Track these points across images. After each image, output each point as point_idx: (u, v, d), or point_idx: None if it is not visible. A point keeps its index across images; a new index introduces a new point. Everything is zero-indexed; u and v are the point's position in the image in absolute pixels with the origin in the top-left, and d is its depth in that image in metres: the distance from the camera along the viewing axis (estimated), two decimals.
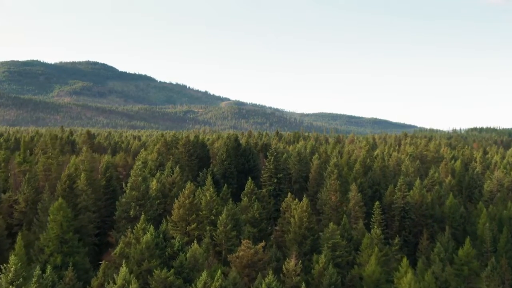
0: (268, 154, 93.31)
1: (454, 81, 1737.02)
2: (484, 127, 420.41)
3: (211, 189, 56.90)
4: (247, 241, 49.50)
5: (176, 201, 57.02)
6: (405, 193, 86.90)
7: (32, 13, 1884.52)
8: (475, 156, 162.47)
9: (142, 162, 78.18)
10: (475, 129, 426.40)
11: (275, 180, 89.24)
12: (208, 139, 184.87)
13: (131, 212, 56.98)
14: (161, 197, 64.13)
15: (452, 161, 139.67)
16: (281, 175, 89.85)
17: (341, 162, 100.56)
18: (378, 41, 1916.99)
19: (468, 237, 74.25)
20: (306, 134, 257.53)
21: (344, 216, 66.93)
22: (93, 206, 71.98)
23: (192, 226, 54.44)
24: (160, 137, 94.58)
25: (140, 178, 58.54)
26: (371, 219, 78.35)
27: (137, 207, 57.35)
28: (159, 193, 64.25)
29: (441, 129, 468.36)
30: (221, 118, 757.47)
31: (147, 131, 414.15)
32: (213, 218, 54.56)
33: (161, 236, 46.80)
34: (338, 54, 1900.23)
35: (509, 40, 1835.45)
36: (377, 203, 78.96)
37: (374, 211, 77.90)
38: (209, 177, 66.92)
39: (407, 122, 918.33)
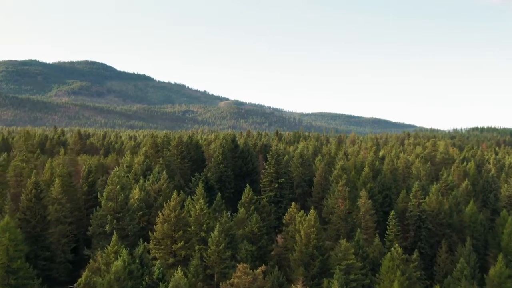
0: (268, 156, 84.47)
1: (453, 81, 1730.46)
2: (485, 126, 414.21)
3: (201, 200, 48.01)
4: (244, 265, 40.64)
5: (159, 214, 48.15)
6: (421, 200, 78.02)
7: (30, 13, 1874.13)
8: (486, 157, 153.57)
9: (127, 166, 69.38)
10: (476, 128, 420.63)
11: (276, 185, 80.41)
12: (205, 140, 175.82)
13: (107, 227, 48.17)
14: (144, 208, 55.23)
15: (465, 163, 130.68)
16: (283, 179, 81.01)
17: (348, 165, 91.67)
18: (377, 41, 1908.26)
19: (500, 253, 65.21)
20: (307, 134, 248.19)
21: (358, 231, 57.83)
22: (69, 216, 63.25)
23: (179, 244, 45.53)
24: (150, 138, 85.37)
25: (118, 187, 49.68)
26: (386, 232, 69.51)
27: (114, 221, 48.53)
28: (142, 203, 55.37)
29: (440, 128, 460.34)
30: (220, 118, 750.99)
31: (145, 131, 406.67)
32: (204, 235, 45.73)
33: (137, 261, 38.11)
34: (338, 54, 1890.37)
35: (508, 40, 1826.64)
36: (392, 213, 70.06)
37: (389, 222, 68.99)
38: (200, 185, 57.89)
39: (407, 122, 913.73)
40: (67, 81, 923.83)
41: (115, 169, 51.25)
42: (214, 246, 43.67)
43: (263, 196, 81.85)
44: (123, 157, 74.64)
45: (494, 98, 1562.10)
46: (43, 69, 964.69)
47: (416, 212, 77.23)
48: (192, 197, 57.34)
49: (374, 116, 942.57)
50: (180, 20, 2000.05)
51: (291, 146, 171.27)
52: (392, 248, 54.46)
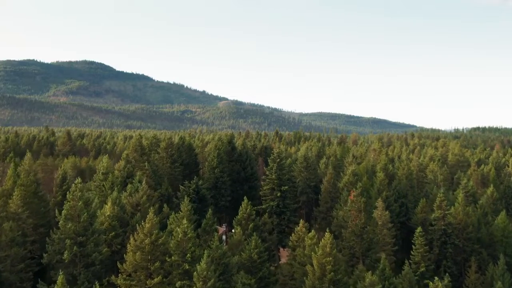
0: (269, 160, 73.87)
1: (452, 81, 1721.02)
2: (487, 126, 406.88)
3: (185, 222, 37.32)
4: None
5: (131, 238, 37.44)
6: (446, 211, 67.42)
7: (29, 13, 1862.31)
8: (503, 159, 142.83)
9: (103, 173, 58.89)
10: (477, 128, 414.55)
11: (279, 194, 69.79)
12: (201, 140, 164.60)
13: (65, 255, 37.63)
14: (118, 227, 44.55)
15: (482, 166, 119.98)
16: (287, 187, 70.38)
17: (360, 170, 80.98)
18: (376, 41, 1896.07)
19: None
20: (308, 134, 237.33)
21: (383, 257, 46.92)
22: (32, 234, 52.75)
23: (155, 280, 34.79)
24: (136, 139, 73.83)
25: (80, 203, 39.12)
26: (411, 253, 58.98)
27: (75, 246, 38.04)
28: (116, 221, 44.64)
29: (440, 128, 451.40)
30: (219, 118, 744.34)
31: (143, 131, 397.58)
32: (188, 267, 35.14)
33: None
34: (337, 54, 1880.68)
35: (506, 40, 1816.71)
36: (418, 230, 59.41)
37: (415, 240, 58.40)
38: (186, 200, 46.89)
39: (406, 122, 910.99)
40: (66, 81, 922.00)
41: (76, 180, 40.72)
42: (201, 282, 33.13)
43: (263, 206, 71.32)
44: (100, 163, 64.02)
45: (494, 98, 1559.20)
46: (42, 69, 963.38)
47: (440, 226, 66.66)
48: (177, 213, 46.67)
49: (373, 116, 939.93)
50: (179, 20, 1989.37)
51: (292, 147, 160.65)
52: (430, 284, 43.66)
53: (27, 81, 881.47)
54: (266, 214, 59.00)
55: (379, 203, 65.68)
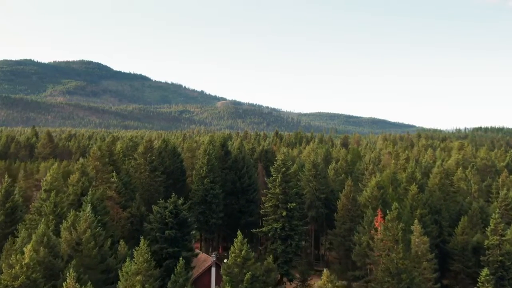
0: (272, 170, 57.98)
1: (451, 81, 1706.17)
2: (489, 126, 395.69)
3: (137, 280, 21.91)
4: None
5: None
6: (503, 237, 51.66)
7: (26, 13, 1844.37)
8: None
9: (45, 191, 43.17)
10: (479, 128, 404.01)
11: (284, 213, 54.04)
12: (197, 141, 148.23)
13: None
14: (40, 284, 28.79)
15: None
16: (294, 204, 54.58)
17: (384, 180, 64.99)
18: (375, 41, 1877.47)
19: None
20: (309, 134, 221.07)
21: None
22: None
23: None
24: (98, 145, 56.94)
25: None
26: None
27: None
28: (39, 273, 28.76)
29: (440, 128, 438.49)
30: (217, 118, 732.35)
31: (139, 131, 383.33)
32: None
33: None
34: (336, 53, 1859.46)
35: (505, 39, 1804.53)
36: (485, 271, 43.57)
37: (480, 285, 42.64)
38: (143, 244, 30.19)
39: (405, 122, 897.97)
40: (62, 80, 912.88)
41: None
42: None
43: (264, 229, 55.56)
44: (44, 179, 47.73)
45: (493, 98, 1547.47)
46: (38, 68, 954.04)
47: (497, 257, 50.91)
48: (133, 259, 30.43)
49: (372, 116, 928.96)
50: (177, 20, 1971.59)
51: (294, 149, 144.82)
52: None
53: (23, 81, 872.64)
54: (271, 258, 42.88)
55: (416, 227, 49.94)
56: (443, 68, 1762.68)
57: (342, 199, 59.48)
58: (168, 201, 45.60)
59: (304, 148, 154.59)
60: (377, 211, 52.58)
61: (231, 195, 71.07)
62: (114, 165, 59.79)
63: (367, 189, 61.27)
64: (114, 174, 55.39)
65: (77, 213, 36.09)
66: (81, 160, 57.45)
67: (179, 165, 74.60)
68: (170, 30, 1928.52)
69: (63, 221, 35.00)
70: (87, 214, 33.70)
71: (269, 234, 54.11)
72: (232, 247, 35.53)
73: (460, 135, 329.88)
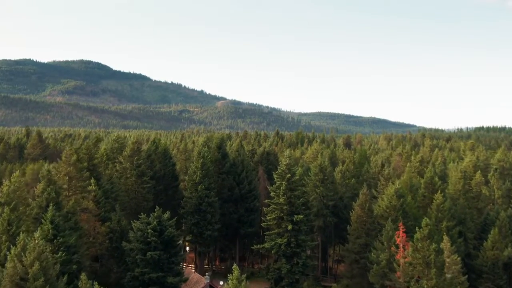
0: (275, 176, 50.19)
1: (451, 81, 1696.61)
2: (491, 126, 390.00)
3: None
4: None
5: None
6: None
7: (26, 13, 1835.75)
8: None
9: (5, 204, 35.31)
10: (481, 128, 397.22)
11: (290, 227, 46.31)
12: (195, 141, 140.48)
13: None
14: None
15: None
16: (301, 216, 46.83)
17: (402, 188, 56.99)
18: (376, 41, 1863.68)
19: None
20: (310, 134, 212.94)
21: None
22: None
23: None
24: (69, 150, 47.71)
25: None
26: None
27: None
28: None
29: (440, 128, 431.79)
30: (217, 118, 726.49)
31: (139, 131, 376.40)
32: None
33: None
34: (336, 53, 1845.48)
35: (505, 40, 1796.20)
36: None
37: None
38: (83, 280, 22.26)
39: (406, 122, 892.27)
40: (62, 80, 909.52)
41: None
42: None
43: (266, 245, 47.83)
44: (2, 186, 39.91)
45: (493, 97, 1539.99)
46: (38, 68, 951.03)
47: None
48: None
49: (373, 116, 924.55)
50: (177, 19, 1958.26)
51: (296, 150, 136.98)
52: None
53: (22, 81, 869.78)
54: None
55: (446, 244, 42.18)
56: (442, 68, 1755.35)
57: (357, 210, 51.56)
58: (151, 215, 37.87)
59: (306, 148, 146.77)
60: (398, 225, 44.86)
61: (229, 203, 63.39)
62: (94, 170, 52.15)
63: (384, 198, 53.48)
64: (92, 181, 47.77)
65: (32, 234, 28.45)
66: (46, 166, 49.65)
67: (170, 169, 66.83)
68: (170, 30, 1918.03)
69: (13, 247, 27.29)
70: (37, 241, 25.99)
71: (272, 251, 46.36)
72: (229, 274, 27.54)
73: (463, 135, 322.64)
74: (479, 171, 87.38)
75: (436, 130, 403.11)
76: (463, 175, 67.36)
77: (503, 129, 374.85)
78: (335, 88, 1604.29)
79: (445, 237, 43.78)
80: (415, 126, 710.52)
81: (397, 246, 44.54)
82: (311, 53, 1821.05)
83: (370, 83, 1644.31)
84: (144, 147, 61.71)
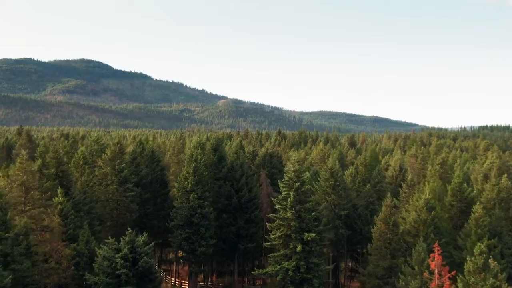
0: (281, 185, 41.41)
1: (453, 80, 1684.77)
2: (494, 125, 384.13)
3: None
4: None
5: None
6: None
7: (26, 12, 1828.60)
8: None
9: None
10: (485, 127, 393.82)
11: (299, 248, 37.61)
12: (191, 141, 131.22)
13: None
14: None
15: None
16: (314, 234, 38.11)
17: (430, 198, 48.24)
18: (377, 40, 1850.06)
19: None
20: (313, 133, 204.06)
21: None
22: None
23: None
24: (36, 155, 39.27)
25: None
26: None
27: None
28: None
29: (445, 127, 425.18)
30: (218, 117, 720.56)
31: (139, 130, 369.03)
32: None
33: None
34: (338, 52, 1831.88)
35: (506, 39, 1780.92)
36: None
37: None
38: None
39: (408, 121, 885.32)
40: (62, 79, 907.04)
41: None
42: None
43: (270, 270, 39.07)
44: None
45: (494, 97, 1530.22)
46: (38, 67, 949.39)
47: None
48: None
49: (375, 115, 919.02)
50: (178, 19, 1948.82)
51: (300, 150, 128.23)
52: None
53: (23, 80, 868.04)
54: None
55: (494, 267, 33.42)
56: (443, 67, 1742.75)
57: (379, 225, 42.65)
58: (122, 239, 29.26)
59: (311, 148, 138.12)
60: (434, 246, 36.15)
61: (226, 214, 54.76)
62: (64, 178, 43.65)
63: (409, 209, 44.77)
64: (59, 190, 39.24)
65: None
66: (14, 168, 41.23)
67: (159, 174, 58.21)
68: (171, 29, 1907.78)
69: None
70: None
71: (277, 277, 37.68)
72: None
73: (468, 134, 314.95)
74: (505, 174, 78.65)
75: (440, 129, 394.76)
76: (497, 181, 58.39)
77: (507, 128, 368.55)
78: (337, 87, 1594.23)
79: (492, 261, 35.06)
80: (417, 125, 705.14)
81: (431, 273, 35.97)
82: (312, 52, 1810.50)
83: (371, 82, 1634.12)
84: (129, 149, 52.90)
